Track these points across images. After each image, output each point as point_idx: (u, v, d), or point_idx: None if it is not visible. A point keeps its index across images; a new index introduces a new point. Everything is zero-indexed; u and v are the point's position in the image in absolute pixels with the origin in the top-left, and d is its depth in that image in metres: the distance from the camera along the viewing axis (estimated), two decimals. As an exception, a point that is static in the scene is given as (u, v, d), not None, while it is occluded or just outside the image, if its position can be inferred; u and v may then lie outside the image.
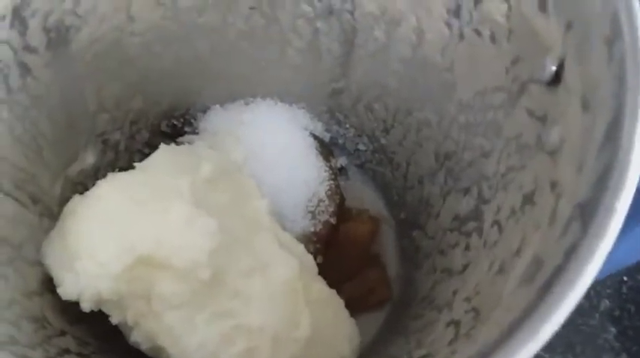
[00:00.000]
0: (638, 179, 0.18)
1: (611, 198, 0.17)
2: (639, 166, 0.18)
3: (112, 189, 0.32)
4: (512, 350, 0.16)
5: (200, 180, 0.33)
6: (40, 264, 0.31)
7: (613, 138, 0.18)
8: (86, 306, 0.30)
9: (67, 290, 0.30)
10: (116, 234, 0.30)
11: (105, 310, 0.31)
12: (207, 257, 0.29)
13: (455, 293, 0.29)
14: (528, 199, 0.24)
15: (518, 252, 0.23)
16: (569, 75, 0.23)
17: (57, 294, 0.30)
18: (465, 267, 0.29)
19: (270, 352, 0.30)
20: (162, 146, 0.35)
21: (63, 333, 0.31)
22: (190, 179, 0.32)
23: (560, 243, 0.19)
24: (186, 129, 0.44)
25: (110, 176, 0.33)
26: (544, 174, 0.23)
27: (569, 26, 0.23)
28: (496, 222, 0.27)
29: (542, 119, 0.25)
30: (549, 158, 0.23)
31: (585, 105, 0.21)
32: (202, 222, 0.30)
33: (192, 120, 0.44)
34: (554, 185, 0.22)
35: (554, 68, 0.24)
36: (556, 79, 0.23)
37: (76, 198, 0.33)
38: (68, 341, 0.31)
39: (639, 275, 0.53)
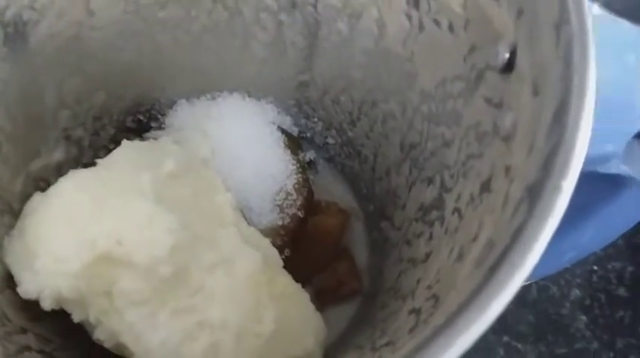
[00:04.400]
0: (583, 159, 0.18)
1: (558, 178, 0.17)
2: (585, 146, 0.18)
3: (72, 186, 0.32)
4: (459, 330, 0.16)
5: (162, 176, 0.33)
6: (0, 261, 0.31)
7: (560, 119, 0.19)
8: (46, 305, 0.29)
9: (26, 288, 0.29)
10: (76, 232, 0.30)
11: (66, 308, 0.30)
12: (168, 253, 0.29)
13: (418, 281, 0.29)
14: (485, 186, 0.25)
15: (475, 238, 0.23)
16: (520, 61, 0.23)
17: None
18: (428, 255, 0.30)
19: (234, 347, 0.29)
20: (125, 142, 0.35)
21: (24, 331, 0.30)
22: (152, 175, 0.32)
23: (510, 225, 0.19)
24: (153, 124, 0.43)
25: (71, 173, 0.33)
26: (499, 161, 0.24)
27: (520, 13, 0.23)
28: (456, 210, 0.27)
29: (498, 106, 0.25)
30: (504, 144, 0.23)
31: (535, 91, 0.21)
32: (163, 218, 0.30)
33: (159, 116, 0.43)
34: (507, 170, 0.22)
35: (507, 55, 0.24)
36: (509, 66, 0.24)
37: (37, 196, 0.33)
38: (29, 339, 0.30)
39: (609, 264, 0.53)
